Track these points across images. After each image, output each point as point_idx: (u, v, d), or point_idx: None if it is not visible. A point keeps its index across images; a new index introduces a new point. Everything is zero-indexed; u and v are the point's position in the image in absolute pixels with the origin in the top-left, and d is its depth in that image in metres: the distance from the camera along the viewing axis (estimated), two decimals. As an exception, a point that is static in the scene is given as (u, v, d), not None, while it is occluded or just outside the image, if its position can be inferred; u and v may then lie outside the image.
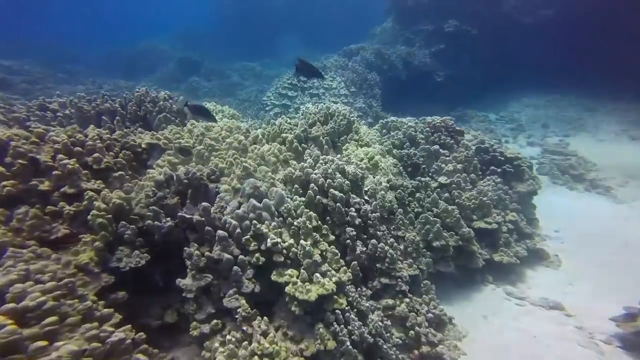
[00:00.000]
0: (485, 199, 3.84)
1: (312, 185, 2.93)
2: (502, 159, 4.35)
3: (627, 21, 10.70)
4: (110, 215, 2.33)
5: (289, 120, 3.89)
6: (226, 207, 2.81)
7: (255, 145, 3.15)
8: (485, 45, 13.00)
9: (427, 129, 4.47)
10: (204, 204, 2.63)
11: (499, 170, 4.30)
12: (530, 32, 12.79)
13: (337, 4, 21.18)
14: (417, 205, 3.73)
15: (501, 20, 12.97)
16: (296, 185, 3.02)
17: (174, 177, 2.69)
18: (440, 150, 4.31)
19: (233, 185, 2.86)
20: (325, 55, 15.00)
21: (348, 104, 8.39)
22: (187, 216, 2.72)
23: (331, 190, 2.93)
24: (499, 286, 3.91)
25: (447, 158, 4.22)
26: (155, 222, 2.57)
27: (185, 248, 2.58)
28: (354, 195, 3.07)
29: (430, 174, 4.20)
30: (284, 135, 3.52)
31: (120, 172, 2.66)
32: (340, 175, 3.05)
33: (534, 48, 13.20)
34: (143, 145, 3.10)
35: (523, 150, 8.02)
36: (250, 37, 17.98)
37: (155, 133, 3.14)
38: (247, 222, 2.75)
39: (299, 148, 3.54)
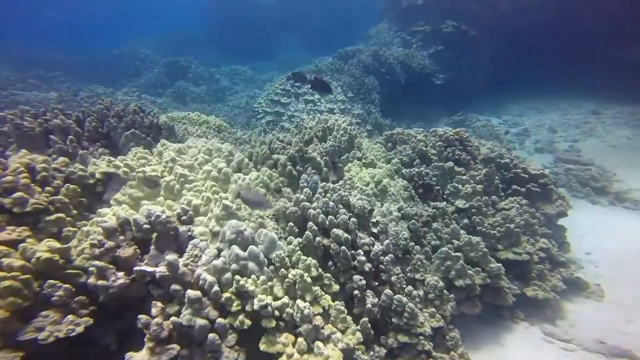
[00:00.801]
0: (512, 226, 3.28)
1: (310, 224, 2.33)
2: (526, 176, 3.80)
3: (630, 22, 10.35)
4: (28, 276, 1.69)
5: (280, 137, 3.28)
6: (201, 256, 2.19)
7: (239, 175, 2.54)
8: (485, 47, 12.59)
9: (440, 142, 3.89)
10: (169, 257, 2.00)
11: (522, 189, 3.74)
12: (529, 33, 12.41)
13: (330, 5, 20.69)
14: (433, 237, 3.14)
15: (499, 20, 12.57)
16: (291, 223, 2.41)
17: (131, 221, 2.06)
18: (456, 167, 3.74)
19: (211, 227, 2.24)
20: (319, 58, 14.45)
21: (346, 111, 7.82)
22: (149, 270, 2.09)
23: (334, 230, 2.32)
24: (534, 324, 3.32)
25: (464, 177, 3.65)
26: (100, 282, 1.93)
27: (140, 316, 1.94)
28: (361, 235, 2.47)
29: (444, 196, 3.63)
30: (275, 157, 2.91)
31: (58, 215, 2.02)
32: (344, 210, 2.45)
33: (534, 49, 12.84)
34: (97, 176, 2.46)
35: (532, 157, 7.52)
36: (240, 40, 17.34)
37: (112, 159, 2.50)
38: (228, 275, 2.13)
39: (294, 172, 2.94)
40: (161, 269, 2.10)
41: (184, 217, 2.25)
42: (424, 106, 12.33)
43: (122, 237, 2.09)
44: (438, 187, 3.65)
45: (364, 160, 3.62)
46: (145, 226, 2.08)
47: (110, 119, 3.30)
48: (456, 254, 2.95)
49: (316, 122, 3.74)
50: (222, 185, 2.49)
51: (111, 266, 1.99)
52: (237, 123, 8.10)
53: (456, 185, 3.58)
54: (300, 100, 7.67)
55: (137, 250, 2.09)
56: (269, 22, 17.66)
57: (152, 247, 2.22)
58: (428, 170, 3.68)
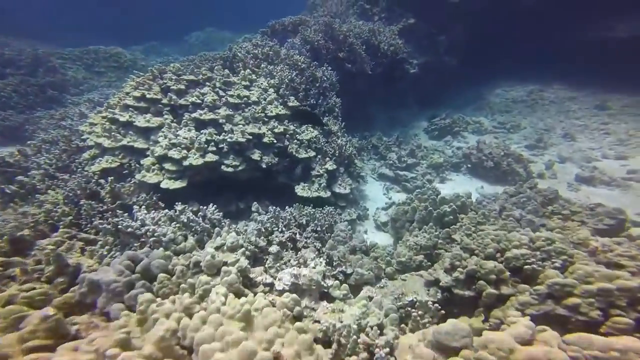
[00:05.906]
0: None
1: None
2: None
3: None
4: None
5: None
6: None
7: None
8: (465, 18, 9.60)
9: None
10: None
11: None
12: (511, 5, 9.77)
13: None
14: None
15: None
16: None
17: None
18: None
19: None
20: (243, 37, 9.93)
21: (287, 135, 3.94)
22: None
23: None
24: None
25: None
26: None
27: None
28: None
29: None
30: None
31: None
32: None
33: (515, 27, 10.32)
34: None
35: (580, 198, 4.67)
36: (131, 17, 11.74)
37: None
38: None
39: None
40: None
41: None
42: (396, 105, 9.06)
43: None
44: None
45: None
46: None
47: None
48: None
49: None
50: None
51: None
52: (47, 167, 3.66)
53: None
54: (184, 122, 3.52)
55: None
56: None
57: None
58: None
